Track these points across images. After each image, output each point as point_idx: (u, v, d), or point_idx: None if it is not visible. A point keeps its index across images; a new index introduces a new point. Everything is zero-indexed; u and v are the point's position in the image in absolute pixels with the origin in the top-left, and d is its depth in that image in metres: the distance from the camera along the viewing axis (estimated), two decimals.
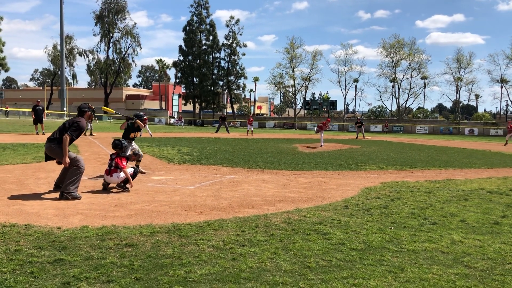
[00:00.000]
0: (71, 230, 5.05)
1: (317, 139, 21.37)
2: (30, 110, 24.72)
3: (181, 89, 77.39)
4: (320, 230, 5.38)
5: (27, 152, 13.73)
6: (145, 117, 10.65)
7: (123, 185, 7.76)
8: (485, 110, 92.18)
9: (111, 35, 70.98)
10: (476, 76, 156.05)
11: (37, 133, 22.76)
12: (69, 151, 7.03)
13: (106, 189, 7.76)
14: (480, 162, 15.25)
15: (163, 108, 76.81)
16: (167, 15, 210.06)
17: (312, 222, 5.77)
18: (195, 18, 69.58)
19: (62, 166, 7.29)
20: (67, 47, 69.26)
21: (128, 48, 72.47)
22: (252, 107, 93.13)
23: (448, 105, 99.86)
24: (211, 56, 70.57)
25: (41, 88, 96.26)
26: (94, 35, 72.83)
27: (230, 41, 69.60)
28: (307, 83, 72.35)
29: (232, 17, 70.43)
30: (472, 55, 68.09)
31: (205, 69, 69.53)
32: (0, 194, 7.16)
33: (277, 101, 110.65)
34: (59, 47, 63.03)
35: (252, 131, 35.05)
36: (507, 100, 79.32)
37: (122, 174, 7.71)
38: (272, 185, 8.92)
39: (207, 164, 12.43)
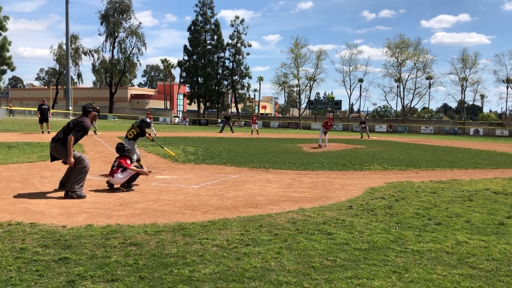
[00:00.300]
0: (76, 229, 5.07)
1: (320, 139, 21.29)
2: (36, 109, 24.85)
3: (186, 89, 77.52)
4: (324, 230, 5.37)
5: (33, 151, 13.80)
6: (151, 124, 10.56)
7: (127, 185, 7.80)
8: (490, 111, 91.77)
9: (116, 34, 71.22)
10: (482, 76, 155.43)
11: (42, 132, 22.87)
12: (73, 150, 7.07)
13: (111, 188, 7.81)
14: (486, 162, 15.18)
15: (168, 107, 76.89)
16: (172, 14, 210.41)
17: (316, 222, 5.77)
18: (200, 18, 69.68)
19: (67, 166, 7.32)
20: (73, 46, 69.56)
21: (133, 47, 72.77)
22: (257, 107, 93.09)
23: (453, 105, 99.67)
24: (215, 56, 70.62)
25: (46, 87, 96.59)
26: (99, 34, 73.04)
27: (235, 41, 69.62)
28: (311, 82, 72.38)
29: (237, 17, 70.40)
30: (477, 55, 68.03)
31: (210, 68, 69.60)
32: (6, 192, 7.20)
33: (281, 100, 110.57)
34: (64, 47, 63.34)
35: (257, 130, 35.06)
36: None
37: (124, 174, 7.75)
38: (276, 185, 8.92)
39: (211, 163, 12.45)
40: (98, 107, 8.00)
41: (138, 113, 62.46)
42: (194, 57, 70.00)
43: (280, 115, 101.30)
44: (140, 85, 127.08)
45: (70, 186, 6.95)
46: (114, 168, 7.82)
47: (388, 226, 5.67)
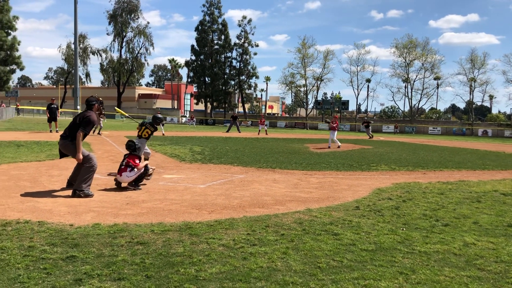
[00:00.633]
0: (83, 228, 5.10)
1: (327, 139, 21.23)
2: (45, 108, 25.04)
3: (193, 89, 77.69)
4: (331, 230, 5.36)
5: (41, 149, 13.91)
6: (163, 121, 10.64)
7: (135, 184, 7.84)
8: (499, 111, 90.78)
9: (124, 34, 71.45)
10: (491, 77, 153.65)
11: (50, 131, 23.06)
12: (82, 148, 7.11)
13: (119, 186, 7.85)
14: (494, 163, 15.05)
15: (175, 107, 77.09)
16: (179, 14, 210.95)
17: (323, 223, 5.75)
18: (207, 18, 69.78)
19: (75, 164, 7.37)
20: (81, 46, 69.86)
21: (141, 47, 72.92)
22: (264, 107, 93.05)
23: (461, 105, 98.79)
24: (223, 56, 70.70)
25: (55, 86, 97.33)
26: (107, 34, 73.45)
27: (242, 41, 69.65)
28: (318, 82, 72.14)
29: (244, 17, 70.38)
30: (486, 55, 67.26)
31: (217, 68, 69.70)
32: (14, 191, 7.26)
33: (288, 100, 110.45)
34: (72, 46, 63.63)
35: (266, 130, 35.12)
36: None
37: (132, 173, 7.78)
38: (283, 185, 8.91)
39: (218, 163, 12.47)
40: (100, 98, 7.96)
41: (146, 113, 62.70)
42: (202, 57, 70.13)
43: (287, 115, 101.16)
44: (147, 84, 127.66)
45: (77, 185, 6.99)
46: (122, 167, 7.86)
47: (395, 227, 5.64)
